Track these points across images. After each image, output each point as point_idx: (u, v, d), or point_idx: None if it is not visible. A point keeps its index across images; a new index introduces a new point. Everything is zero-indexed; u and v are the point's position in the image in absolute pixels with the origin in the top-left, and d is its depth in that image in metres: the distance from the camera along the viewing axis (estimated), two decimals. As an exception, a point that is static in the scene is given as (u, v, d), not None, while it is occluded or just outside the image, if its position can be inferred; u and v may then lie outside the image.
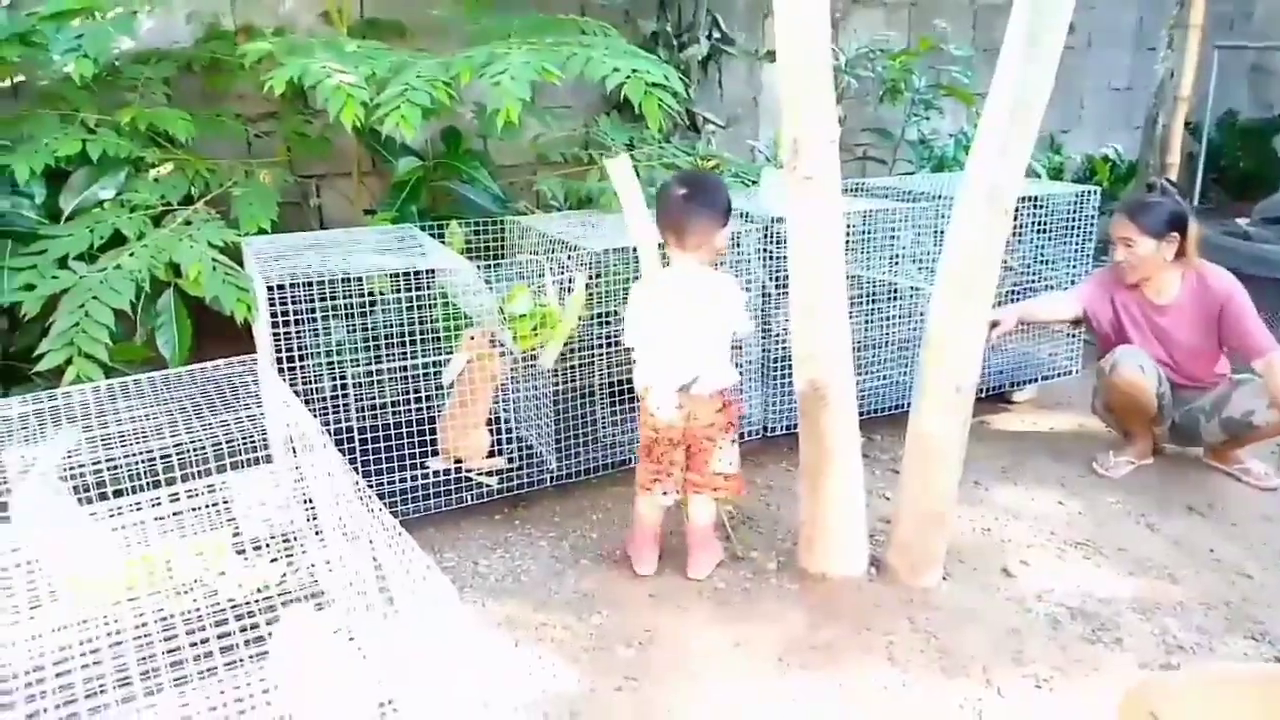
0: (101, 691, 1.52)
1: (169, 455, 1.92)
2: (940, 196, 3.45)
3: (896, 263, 3.42)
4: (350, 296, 2.60)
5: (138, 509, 1.78)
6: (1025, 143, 2.15)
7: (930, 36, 4.85)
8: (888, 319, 3.39)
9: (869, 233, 3.28)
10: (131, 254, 2.71)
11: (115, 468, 1.89)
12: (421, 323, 2.82)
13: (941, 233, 3.36)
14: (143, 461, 1.91)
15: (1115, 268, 3.13)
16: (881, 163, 4.98)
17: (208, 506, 2.02)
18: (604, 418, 3.04)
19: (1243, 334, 2.97)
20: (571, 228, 3.06)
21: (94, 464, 1.94)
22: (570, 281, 2.79)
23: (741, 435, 3.12)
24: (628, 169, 2.45)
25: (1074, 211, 3.58)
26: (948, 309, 2.25)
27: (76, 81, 2.79)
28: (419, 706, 1.47)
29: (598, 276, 2.88)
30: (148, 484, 1.92)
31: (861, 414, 2.48)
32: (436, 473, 2.79)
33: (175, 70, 3.27)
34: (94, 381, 2.40)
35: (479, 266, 2.84)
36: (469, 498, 2.80)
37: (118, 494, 1.88)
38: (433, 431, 2.86)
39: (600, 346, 2.92)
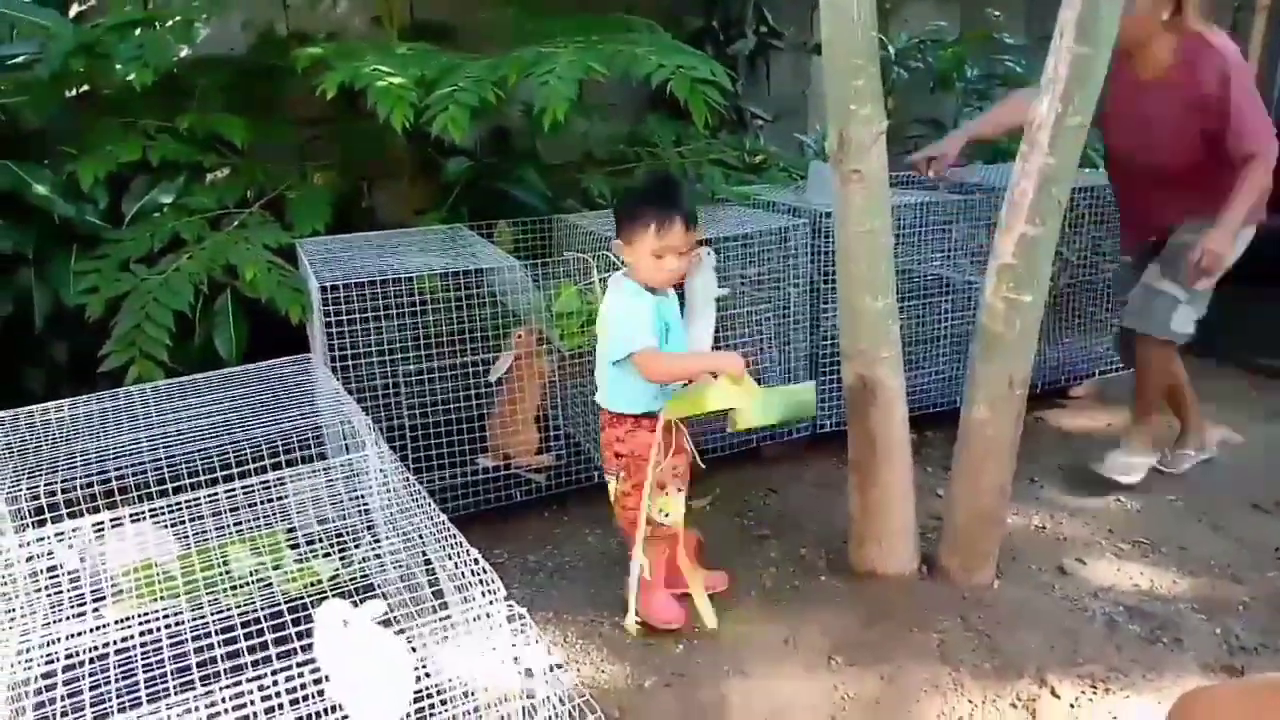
0: (162, 680, 1.57)
1: (226, 453, 1.97)
2: (994, 188, 3.39)
3: (949, 256, 3.37)
4: (401, 296, 2.64)
5: (196, 505, 1.83)
6: (1079, 131, 2.10)
7: (983, 26, 4.77)
8: (940, 314, 3.34)
9: (921, 226, 3.23)
10: (190, 257, 2.78)
11: (175, 465, 1.95)
12: (471, 322, 2.84)
13: (994, 225, 3.32)
14: (200, 459, 1.96)
15: None
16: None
17: (263, 503, 2.07)
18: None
19: (1236, 120, 2.53)
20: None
21: (154, 462, 2.00)
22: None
23: (781, 434, 3.12)
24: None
25: (1132, 202, 3.49)
26: (1001, 302, 2.21)
27: (137, 89, 2.87)
28: (466, 700, 1.48)
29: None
30: (205, 481, 1.97)
31: (912, 410, 2.44)
32: (486, 470, 2.82)
33: (231, 77, 3.35)
34: (154, 381, 2.47)
35: (527, 265, 2.86)
36: (518, 494, 2.83)
37: (177, 490, 1.93)
38: (482, 429, 2.89)
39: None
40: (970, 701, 2.04)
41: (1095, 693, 2.05)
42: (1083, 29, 2.02)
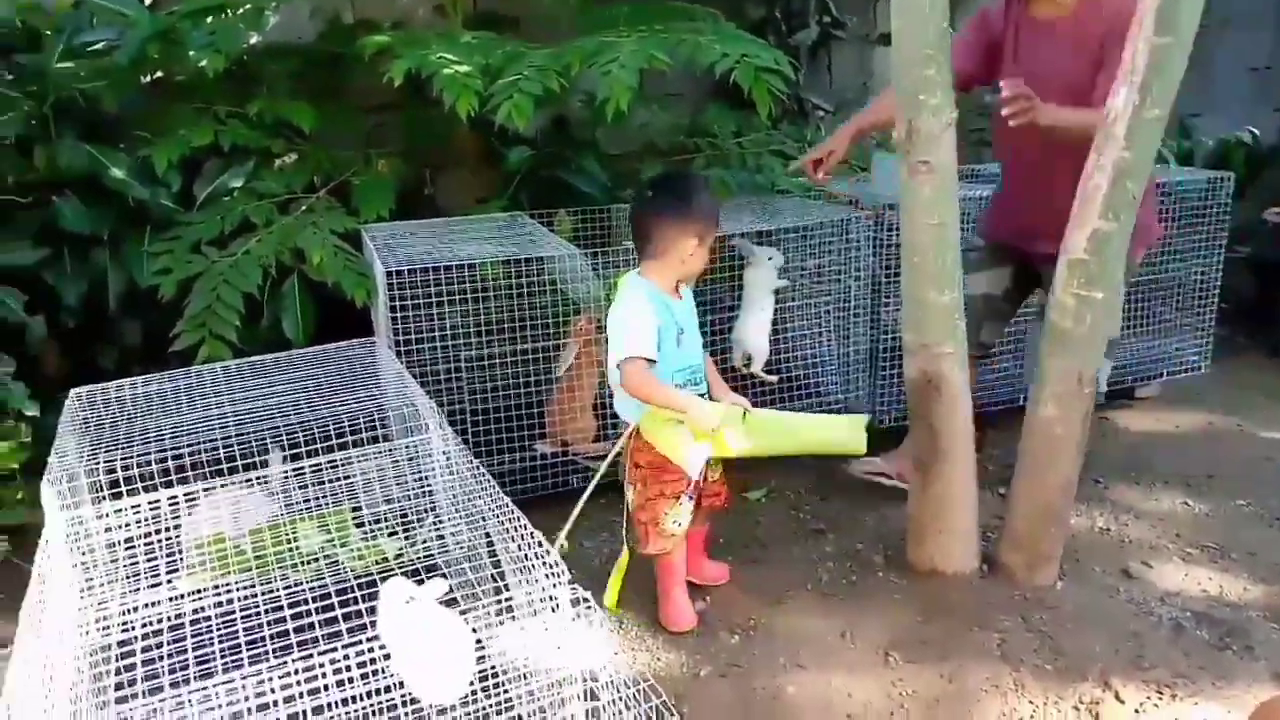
0: (234, 651, 1.61)
1: (294, 432, 2.01)
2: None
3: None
4: (464, 282, 2.66)
5: (266, 482, 1.87)
6: (1157, 124, 2.05)
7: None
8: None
9: (984, 221, 3.18)
10: (259, 240, 2.84)
11: (245, 442, 1.99)
12: (530, 309, 2.86)
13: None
14: (270, 438, 2.00)
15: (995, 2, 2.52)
16: (997, 148, 4.81)
17: (329, 482, 2.11)
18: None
19: (1115, 54, 2.10)
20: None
21: (224, 439, 2.05)
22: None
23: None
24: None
25: (1205, 199, 3.41)
26: (1071, 298, 2.17)
27: (210, 75, 2.93)
28: (525, 681, 1.50)
29: (719, 258, 2.89)
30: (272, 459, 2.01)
31: (975, 407, 2.41)
32: (544, 456, 2.84)
33: (299, 64, 3.40)
34: (224, 361, 2.53)
35: (586, 254, 2.87)
36: (574, 481, 2.84)
37: (246, 468, 1.98)
38: (540, 415, 2.91)
39: (704, 333, 2.91)
40: (1031, 703, 2.01)
41: (1161, 698, 2.01)
42: (1163, 19, 1.96)
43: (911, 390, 2.36)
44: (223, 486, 1.91)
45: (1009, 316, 2.84)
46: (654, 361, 2.06)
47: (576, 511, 2.13)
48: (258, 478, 2.03)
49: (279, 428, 2.04)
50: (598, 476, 2.17)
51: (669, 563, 2.27)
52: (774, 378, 2.97)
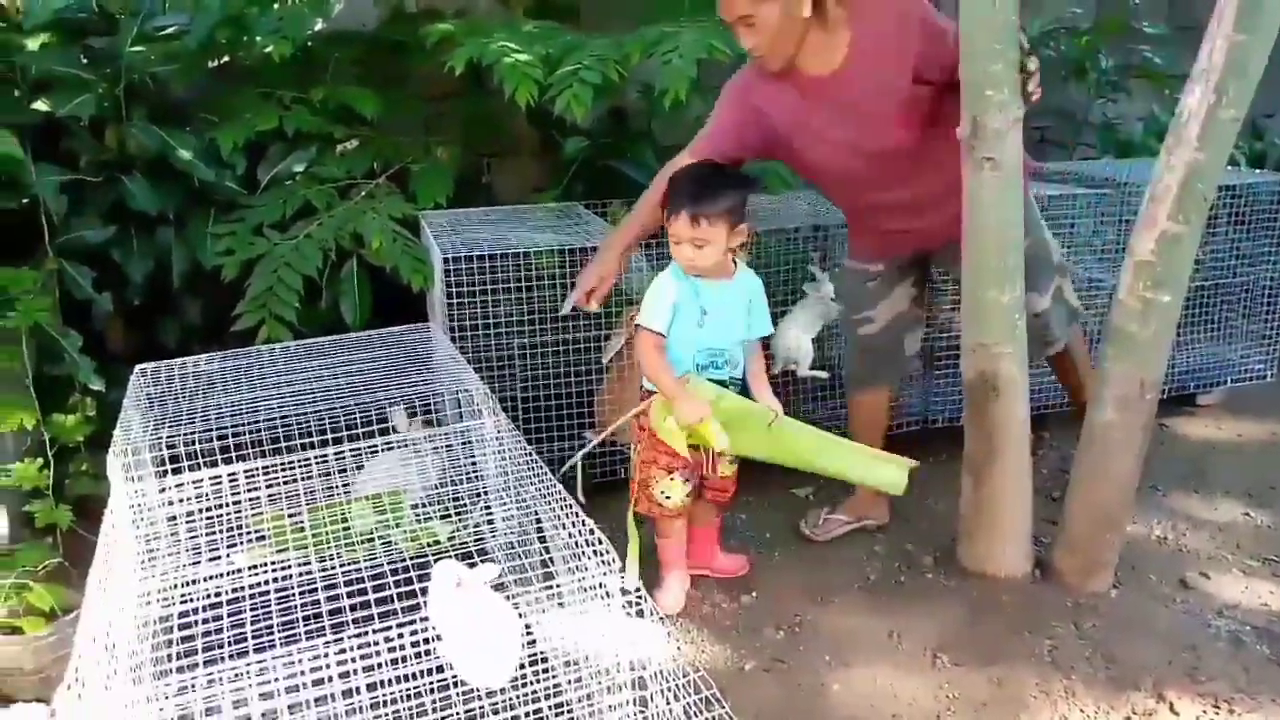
0: (294, 626, 1.65)
1: (352, 413, 2.04)
2: (1124, 184, 3.25)
3: (1074, 251, 3.25)
4: (519, 270, 2.68)
5: (323, 462, 1.90)
6: (1232, 125, 2.00)
7: (1120, 15, 4.57)
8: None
9: (1044, 220, 3.11)
10: (319, 224, 2.89)
11: (304, 422, 2.03)
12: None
13: (1125, 221, 3.19)
14: (329, 418, 2.04)
15: (744, 73, 2.33)
16: (1061, 146, 4.73)
17: (383, 464, 2.14)
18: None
19: (941, 40, 2.11)
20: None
21: (284, 417, 2.09)
22: None
23: (897, 425, 3.05)
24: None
25: (1276, 203, 3.31)
26: (1137, 301, 2.12)
27: (276, 61, 2.98)
28: (570, 668, 1.51)
29: (757, 258, 2.87)
30: (330, 439, 2.04)
31: (1032, 409, 2.36)
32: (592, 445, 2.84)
33: (362, 51, 3.44)
34: (283, 342, 2.58)
35: (639, 245, 2.86)
36: (622, 472, 2.85)
37: (304, 447, 2.01)
38: (590, 405, 2.92)
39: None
40: (1082, 711, 1.98)
41: (1218, 713, 1.96)
42: (1244, 15, 1.91)
43: (968, 390, 2.32)
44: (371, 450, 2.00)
45: (923, 318, 2.75)
46: (663, 336, 2.14)
47: (580, 455, 2.25)
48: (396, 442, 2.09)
49: (336, 409, 2.08)
50: (606, 431, 2.34)
51: (661, 543, 2.35)
52: (825, 373, 2.94)
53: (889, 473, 2.21)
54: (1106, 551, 2.35)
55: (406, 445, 2.16)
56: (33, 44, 2.71)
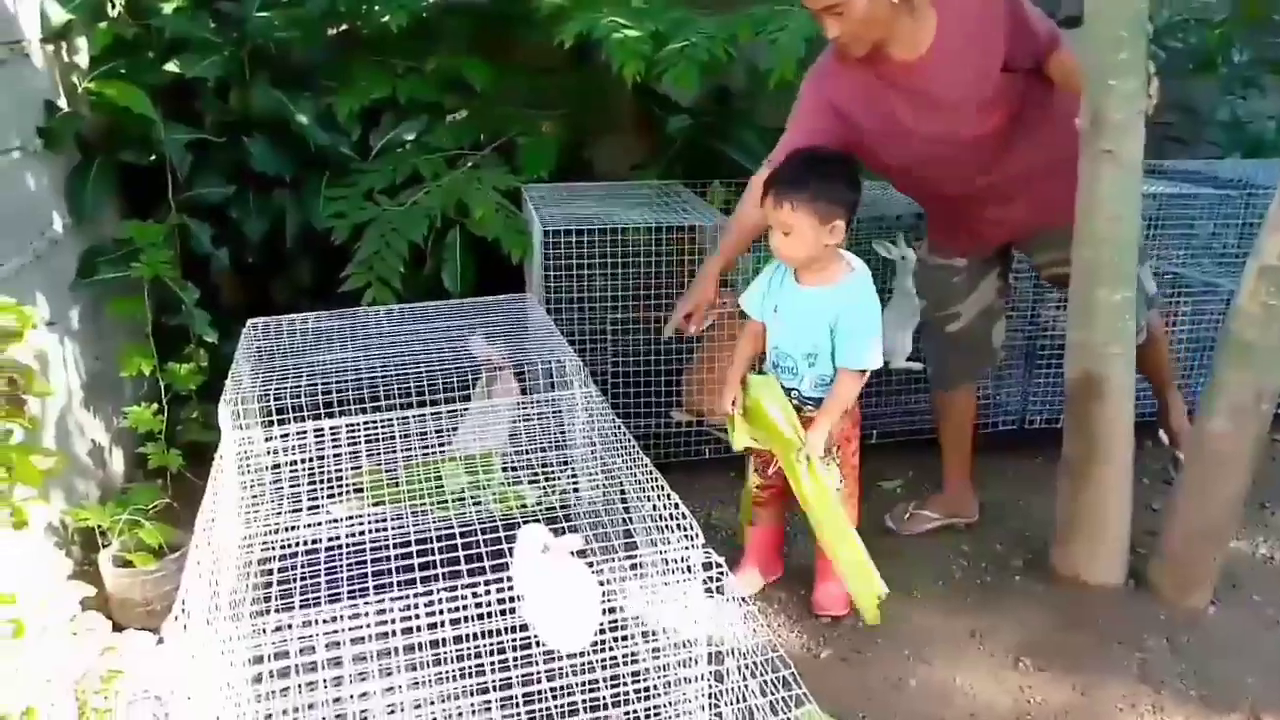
0: (386, 576, 1.71)
1: (450, 375, 2.10)
2: (1250, 185, 3.09)
3: (1191, 254, 3.12)
4: (617, 246, 2.70)
5: (422, 420, 1.96)
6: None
7: (1259, 3, 4.32)
8: (1175, 315, 3.10)
9: (1161, 219, 2.99)
10: (427, 192, 2.96)
11: (405, 381, 2.09)
12: (679, 277, 2.88)
13: (1248, 225, 3.03)
14: (427, 380, 2.10)
15: (821, 65, 2.24)
16: (1183, 143, 4.52)
17: (478, 426, 2.19)
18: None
19: (1031, 34, 2.09)
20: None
21: (384, 377, 2.15)
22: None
23: (984, 425, 2.98)
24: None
25: None
26: (1259, 308, 2.02)
27: (393, 30, 3.06)
28: (648, 639, 1.53)
29: (855, 242, 2.82)
30: (429, 400, 2.10)
31: (1137, 416, 2.28)
32: (679, 424, 2.86)
33: (475, 22, 3.49)
34: (387, 305, 2.65)
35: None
36: (707, 451, 2.86)
37: (405, 406, 2.08)
38: (679, 383, 2.93)
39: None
40: (1171, 727, 1.92)
41: (1319, 742, 1.88)
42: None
43: (1071, 390, 2.25)
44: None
45: (1006, 307, 2.64)
46: (748, 317, 2.18)
47: None
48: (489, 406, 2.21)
49: (435, 371, 2.14)
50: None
51: (749, 528, 2.37)
52: (919, 365, 2.89)
53: (865, 588, 2.07)
54: (1207, 567, 2.26)
55: (499, 410, 2.21)
56: (168, 8, 2.84)
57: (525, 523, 1.67)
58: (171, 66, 2.83)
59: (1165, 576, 2.29)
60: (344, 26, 3.38)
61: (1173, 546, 2.27)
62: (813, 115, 2.23)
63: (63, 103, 2.72)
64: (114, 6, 2.85)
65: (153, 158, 2.86)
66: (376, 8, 3.16)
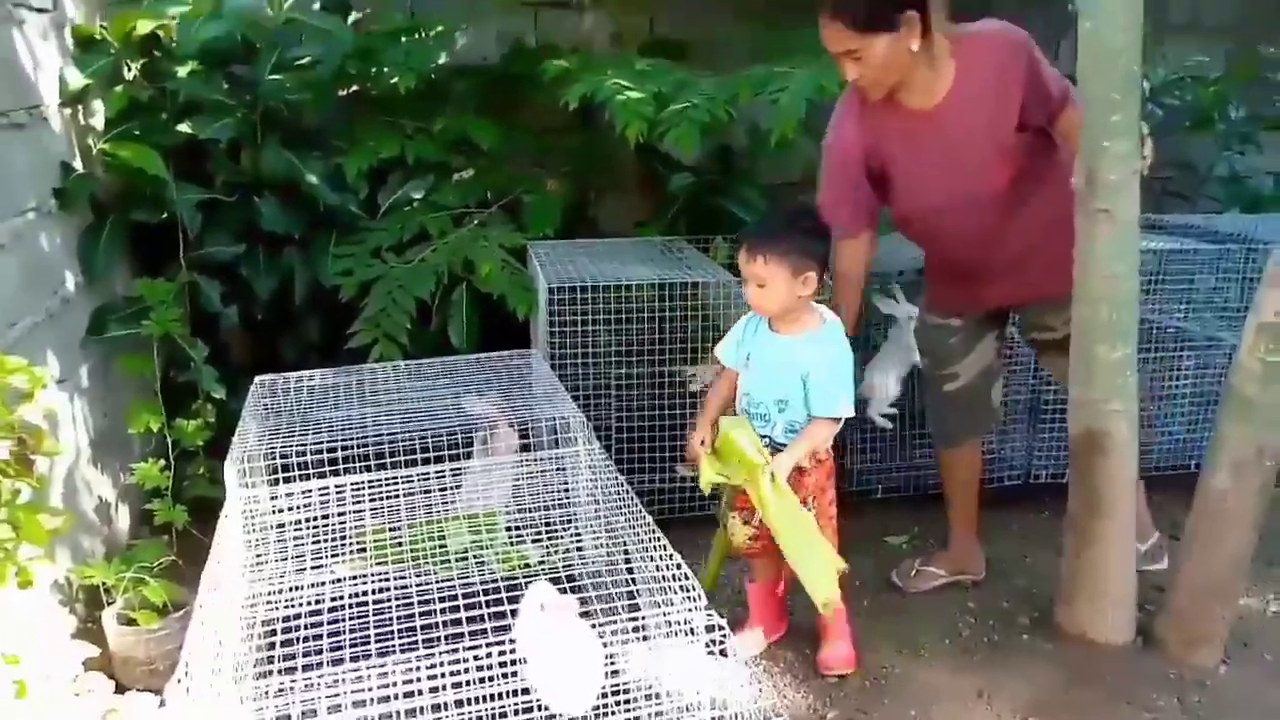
0: (389, 637, 1.71)
1: (455, 433, 2.11)
2: (1250, 240, 3.12)
3: (1193, 309, 3.14)
4: (621, 302, 2.73)
5: (426, 478, 1.97)
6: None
7: (1253, 64, 4.39)
8: (1178, 369, 3.10)
9: (1162, 274, 3.02)
10: (434, 250, 3.00)
11: (409, 438, 2.11)
12: (681, 333, 2.90)
13: (1249, 279, 3.05)
14: (431, 436, 2.11)
15: (848, 101, 2.27)
16: (1184, 198, 4.56)
17: (482, 484, 2.20)
18: (852, 444, 2.99)
19: (1044, 87, 2.13)
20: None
21: (390, 435, 2.17)
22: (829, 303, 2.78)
23: (990, 480, 2.98)
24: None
25: None
26: (1258, 364, 2.04)
27: (401, 91, 3.12)
28: (650, 702, 1.52)
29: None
30: (433, 458, 2.11)
31: (1140, 471, 2.28)
32: (682, 478, 2.86)
33: (482, 84, 3.57)
34: (394, 361, 2.68)
35: (739, 281, 2.88)
36: (711, 506, 2.84)
37: (410, 463, 2.09)
38: (683, 438, 2.94)
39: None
40: (1183, 790, 1.89)
41: (1334, 806, 1.85)
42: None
43: (1074, 446, 2.26)
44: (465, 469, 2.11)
45: (1005, 367, 2.67)
46: (724, 365, 2.22)
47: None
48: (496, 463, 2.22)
49: (440, 428, 2.15)
50: None
51: (749, 585, 2.36)
52: (889, 424, 2.87)
53: (823, 582, 2.04)
54: (1215, 624, 2.24)
55: (503, 467, 2.22)
56: (182, 71, 2.90)
57: (528, 582, 1.67)
58: (184, 128, 2.88)
59: (1173, 634, 2.27)
60: (354, 88, 3.45)
61: (1179, 603, 2.26)
62: (840, 168, 2.29)
63: (78, 164, 2.78)
64: (130, 70, 2.92)
65: (164, 216, 2.90)
66: (386, 70, 3.23)
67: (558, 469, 2.19)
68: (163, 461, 2.63)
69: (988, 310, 2.45)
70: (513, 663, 1.39)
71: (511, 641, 1.42)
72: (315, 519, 2.00)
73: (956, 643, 2.37)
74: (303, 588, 1.93)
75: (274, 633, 1.89)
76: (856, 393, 2.74)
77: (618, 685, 1.54)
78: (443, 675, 1.35)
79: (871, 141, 2.23)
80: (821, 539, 2.07)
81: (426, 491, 1.98)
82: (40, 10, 2.59)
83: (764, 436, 2.11)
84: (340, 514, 1.96)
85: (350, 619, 1.89)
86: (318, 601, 1.92)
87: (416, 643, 1.63)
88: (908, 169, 2.23)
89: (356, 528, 2.00)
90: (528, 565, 2.04)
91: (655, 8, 3.84)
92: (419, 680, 1.34)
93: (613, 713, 1.54)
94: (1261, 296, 2.05)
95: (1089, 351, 2.16)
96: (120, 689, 2.09)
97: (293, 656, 1.74)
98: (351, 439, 2.09)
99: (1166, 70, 4.42)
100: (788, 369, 2.08)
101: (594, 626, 1.60)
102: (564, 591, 1.55)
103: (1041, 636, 2.37)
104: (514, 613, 1.54)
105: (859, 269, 2.36)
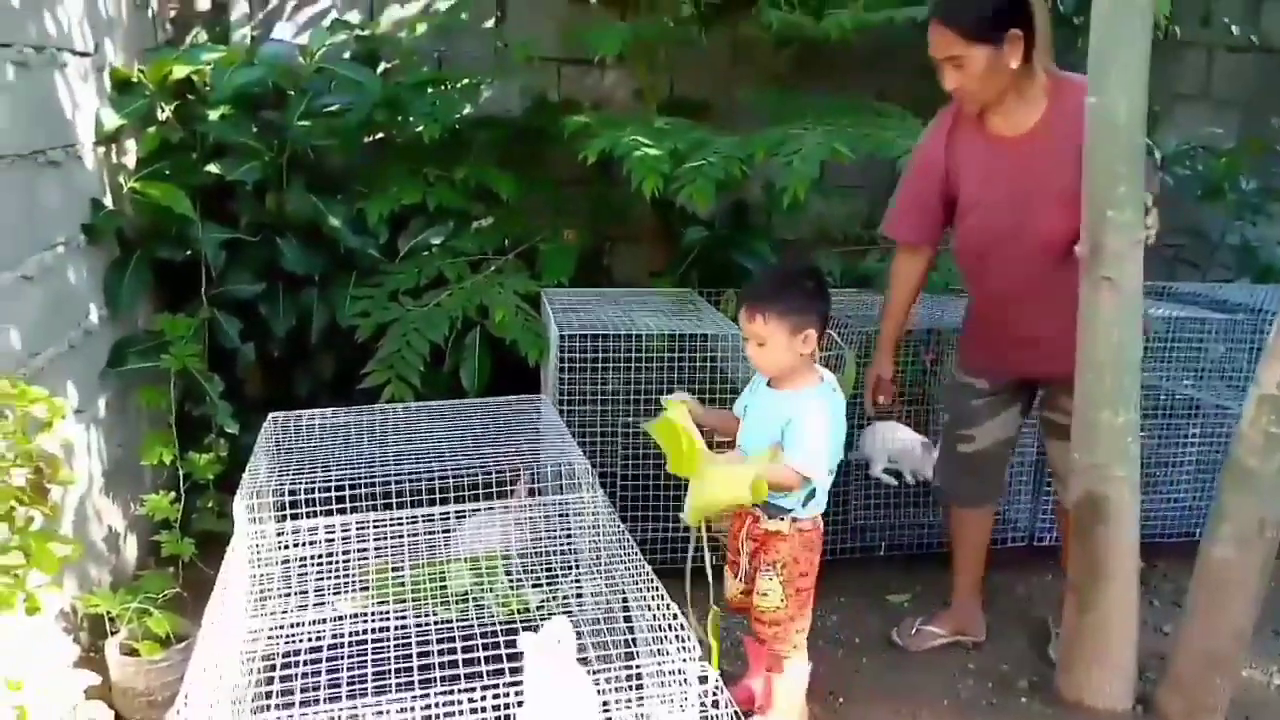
0: (387, 678, 1.72)
1: (461, 474, 2.14)
2: (1261, 310, 3.14)
3: (1201, 376, 3.15)
4: (631, 351, 2.77)
5: (431, 520, 2.00)
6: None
7: (1264, 135, 4.45)
8: (1185, 437, 3.11)
9: (1172, 341, 3.04)
10: (450, 294, 3.06)
11: (417, 478, 2.14)
12: (689, 384, 2.93)
13: (1257, 349, 3.07)
14: (439, 477, 2.14)
15: (947, 112, 2.35)
16: (1194, 266, 4.59)
17: (484, 526, 2.22)
18: (857, 500, 3.01)
19: None
20: (845, 305, 3.09)
21: (398, 475, 2.20)
22: (840, 359, 2.81)
23: (1002, 541, 2.98)
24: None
25: None
26: (1260, 436, 2.05)
27: (425, 141, 3.20)
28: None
29: (868, 355, 2.88)
30: (439, 499, 2.14)
31: (1144, 537, 2.28)
32: (687, 529, 2.87)
33: (504, 135, 3.65)
34: (405, 402, 2.72)
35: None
36: (714, 558, 2.85)
37: (413, 504, 2.12)
38: (687, 486, 2.95)
39: (859, 424, 2.90)
40: None
41: None
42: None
43: (1075, 511, 2.27)
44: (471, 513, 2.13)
45: (1016, 443, 2.64)
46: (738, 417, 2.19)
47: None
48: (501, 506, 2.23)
49: (448, 470, 2.18)
50: None
51: (747, 638, 2.31)
52: (892, 479, 2.90)
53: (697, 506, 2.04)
54: (1215, 695, 2.23)
55: (506, 510, 2.24)
56: (214, 114, 3.00)
57: (525, 627, 1.68)
58: (213, 169, 2.97)
59: (1174, 703, 2.26)
60: (380, 135, 3.54)
61: (1179, 673, 2.25)
62: (918, 178, 2.42)
63: (108, 200, 2.86)
64: (163, 112, 3.01)
65: (188, 254, 2.98)
66: (411, 119, 3.32)
67: (561, 514, 2.21)
68: (173, 494, 2.67)
69: (1013, 379, 2.45)
70: (506, 706, 1.41)
71: (506, 685, 1.44)
72: (320, 556, 2.02)
73: (954, 704, 2.36)
74: (304, 624, 1.95)
75: (273, 667, 1.91)
76: (851, 454, 2.78)
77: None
78: (436, 716, 1.37)
79: (953, 159, 2.31)
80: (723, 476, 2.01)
81: (430, 532, 2.00)
82: (82, 54, 2.68)
83: None
84: (345, 552, 1.99)
85: (349, 657, 1.91)
86: (318, 638, 1.93)
87: (413, 683, 1.65)
88: (978, 192, 2.29)
89: (360, 566, 2.02)
90: (526, 609, 2.05)
91: (676, 68, 3.92)
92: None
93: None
94: (1263, 369, 2.08)
95: (1092, 417, 2.18)
96: (119, 719, 2.11)
97: (290, 692, 1.75)
98: (358, 477, 2.13)
99: (1179, 139, 4.48)
100: (773, 421, 2.06)
101: (590, 673, 1.61)
102: (560, 641, 1.56)
103: (1040, 700, 2.36)
104: (510, 656, 1.55)
105: (911, 279, 2.49)
